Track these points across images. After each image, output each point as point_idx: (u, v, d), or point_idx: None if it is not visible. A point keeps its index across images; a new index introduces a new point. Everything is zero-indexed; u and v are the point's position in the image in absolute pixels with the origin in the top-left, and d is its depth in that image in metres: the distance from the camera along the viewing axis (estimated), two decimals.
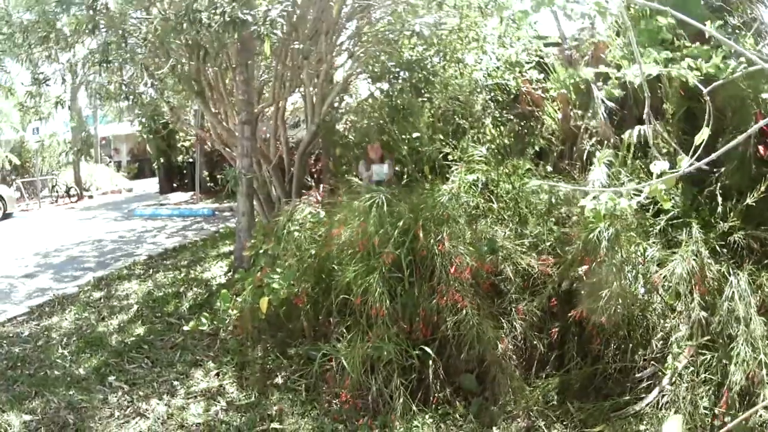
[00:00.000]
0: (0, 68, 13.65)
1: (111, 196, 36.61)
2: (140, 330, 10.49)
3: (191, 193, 30.23)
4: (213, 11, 9.58)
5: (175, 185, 33.55)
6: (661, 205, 6.33)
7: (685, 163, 3.86)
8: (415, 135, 12.32)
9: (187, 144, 29.89)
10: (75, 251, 18.28)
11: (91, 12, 10.83)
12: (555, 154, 10.94)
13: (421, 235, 8.00)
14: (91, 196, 35.52)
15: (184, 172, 32.73)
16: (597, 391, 7.44)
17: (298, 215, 9.31)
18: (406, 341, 7.79)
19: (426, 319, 7.90)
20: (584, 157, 9.72)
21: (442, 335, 7.82)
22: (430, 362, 7.67)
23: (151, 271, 14.69)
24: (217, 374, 8.79)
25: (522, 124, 12.38)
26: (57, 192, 34.34)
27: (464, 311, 7.53)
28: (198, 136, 24.07)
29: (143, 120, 18.85)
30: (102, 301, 12.32)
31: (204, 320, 8.90)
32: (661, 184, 4.67)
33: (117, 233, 21.49)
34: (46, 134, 36.67)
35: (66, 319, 11.26)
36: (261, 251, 9.43)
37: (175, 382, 8.60)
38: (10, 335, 10.58)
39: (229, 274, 13.24)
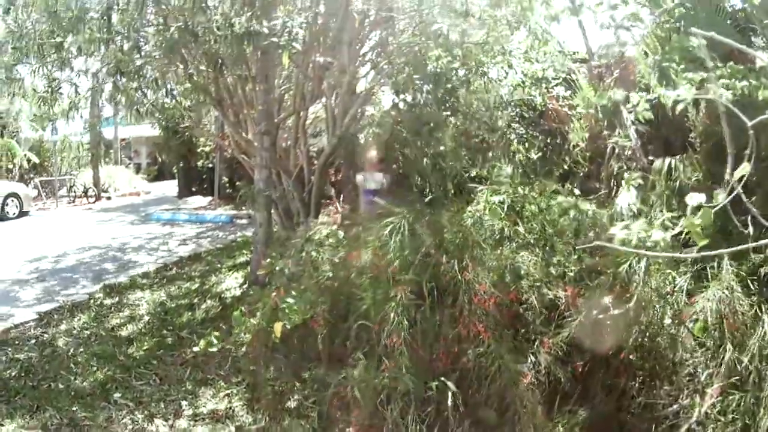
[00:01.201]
0: (12, 76, 13.45)
1: (129, 198, 36.59)
2: (150, 343, 10.21)
3: (210, 198, 30.12)
4: (226, 24, 9.38)
5: (194, 189, 33.22)
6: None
7: (722, 198, 3.63)
8: (439, 149, 12.02)
9: (207, 149, 29.77)
10: (88, 255, 18.11)
11: (104, 23, 10.67)
12: (582, 174, 10.67)
13: (444, 260, 7.69)
14: (109, 198, 35.51)
15: (204, 176, 32.36)
16: (621, 428, 7.13)
17: (317, 235, 8.99)
18: (425, 372, 7.44)
19: (446, 348, 7.56)
20: (612, 179, 9.48)
21: (463, 366, 7.48)
22: (450, 395, 7.33)
23: (164, 280, 14.47)
24: (227, 395, 8.46)
25: (548, 141, 12.10)
26: (75, 192, 34.44)
27: (487, 343, 7.22)
28: (217, 142, 23.97)
29: (162, 124, 18.74)
30: (112, 310, 12.09)
31: (215, 341, 8.61)
32: (697, 219, 4.39)
33: (132, 237, 21.32)
34: (63, 134, 36.70)
35: (75, 327, 11.05)
36: (277, 269, 9.12)
37: (183, 402, 8.28)
38: (17, 342, 10.37)
39: (245, 286, 12.96)
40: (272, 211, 13.16)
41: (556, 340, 7.25)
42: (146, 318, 11.53)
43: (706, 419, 6.35)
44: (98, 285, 13.95)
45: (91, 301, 12.68)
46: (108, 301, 12.62)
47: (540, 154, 11.82)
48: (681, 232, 6.76)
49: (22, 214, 27.37)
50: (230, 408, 8.13)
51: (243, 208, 24.47)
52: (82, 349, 9.97)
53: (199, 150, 30.15)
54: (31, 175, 35.41)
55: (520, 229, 8.49)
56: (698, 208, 4.26)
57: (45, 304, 12.58)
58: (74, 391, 8.51)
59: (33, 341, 10.43)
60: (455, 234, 8.05)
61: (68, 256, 17.79)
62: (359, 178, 12.40)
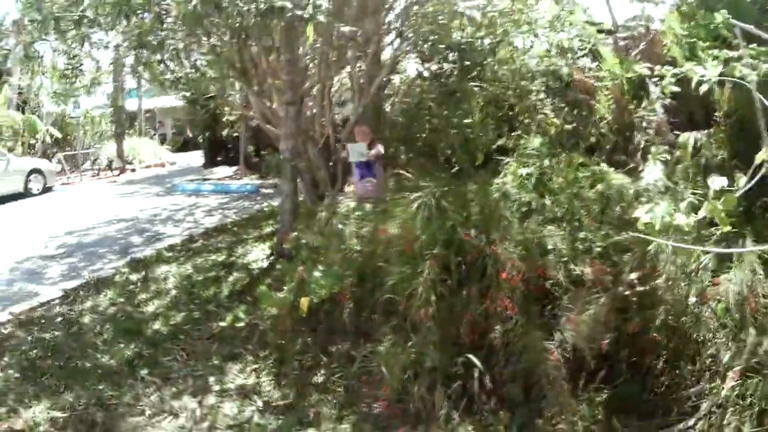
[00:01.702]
0: (32, 53, 13.38)
1: (154, 169, 36.62)
2: (177, 318, 10.13)
3: (235, 167, 30.02)
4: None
5: (219, 159, 33.23)
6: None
7: (744, 182, 3.53)
8: (465, 120, 11.84)
9: (232, 118, 29.66)
10: (112, 228, 18.10)
11: None
12: (608, 147, 10.49)
13: (471, 234, 7.55)
14: (133, 170, 35.48)
15: (229, 146, 32.40)
16: (644, 407, 7.00)
17: (343, 208, 8.86)
18: (452, 347, 7.34)
19: (473, 324, 7.45)
20: (639, 152, 9.33)
21: (489, 342, 7.36)
22: (476, 371, 7.22)
23: (190, 252, 14.38)
24: (254, 370, 8.36)
25: (574, 113, 11.89)
26: (99, 165, 34.47)
27: (514, 319, 7.11)
28: (242, 112, 23.89)
29: (187, 95, 18.65)
30: (138, 284, 12.01)
31: (242, 315, 8.52)
32: (720, 204, 4.29)
33: (157, 210, 21.29)
34: (86, 108, 36.72)
35: (100, 303, 10.99)
36: (303, 243, 8.99)
37: (210, 378, 8.21)
38: (42, 321, 10.32)
39: (271, 258, 12.81)
40: (298, 181, 13.02)
41: (583, 317, 7.13)
42: (173, 292, 11.44)
43: (726, 402, 6.25)
44: (124, 259, 13.92)
45: (117, 276, 12.60)
46: (134, 276, 12.53)
47: (566, 125, 11.62)
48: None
49: (46, 189, 27.22)
50: (258, 383, 8.05)
51: (268, 177, 24.36)
52: (108, 326, 9.89)
53: (224, 120, 30.02)
54: (54, 150, 35.35)
55: (547, 202, 8.35)
56: (722, 191, 4.14)
57: (71, 280, 12.54)
58: (101, 369, 8.45)
59: (59, 319, 10.35)
60: (483, 207, 7.92)
61: (93, 231, 17.76)
62: (350, 148, 12.04)
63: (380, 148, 11.79)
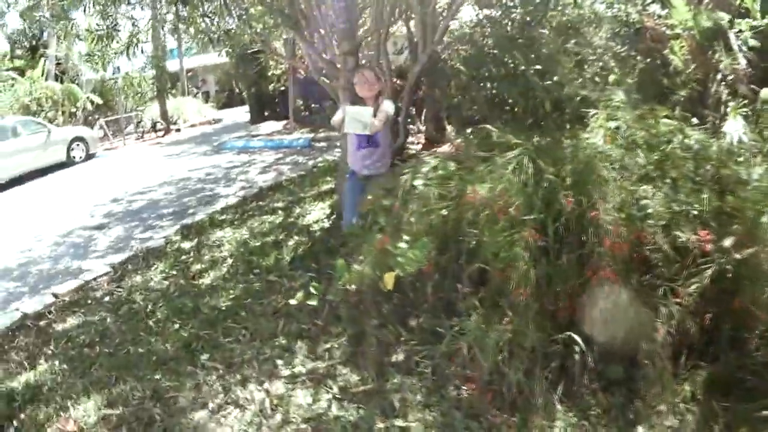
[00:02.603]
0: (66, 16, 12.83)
1: (199, 128, 36.63)
2: (236, 291, 9.23)
3: (284, 122, 29.48)
4: None
5: (266, 114, 32.85)
6: None
7: None
8: (535, 67, 10.78)
9: (278, 72, 29.14)
10: (159, 193, 17.55)
11: None
12: (683, 99, 9.55)
13: (568, 197, 6.53)
14: (178, 130, 35.61)
15: (276, 100, 32.04)
16: (744, 387, 6.10)
17: (424, 168, 7.64)
18: (550, 323, 6.38)
19: (572, 297, 6.52)
20: (720, 105, 8.46)
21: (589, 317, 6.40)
22: (577, 349, 6.25)
23: (245, 215, 13.55)
24: (327, 350, 7.40)
25: (647, 62, 10.92)
26: (142, 128, 34.46)
27: (617, 291, 6.13)
28: (291, 65, 23.27)
29: (231, 51, 18.32)
30: (191, 254, 11.18)
31: (314, 291, 7.54)
32: None
33: (205, 170, 20.71)
34: (125, 72, 36.90)
35: (151, 278, 10.21)
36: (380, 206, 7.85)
37: (278, 361, 7.25)
38: (89, 302, 9.57)
39: (333, 218, 11.99)
40: None
41: (689, 289, 6.16)
42: (229, 261, 10.59)
43: None
44: (174, 226, 13.24)
45: (168, 245, 11.87)
46: (186, 245, 11.77)
47: (639, 75, 10.66)
48: None
49: (89, 156, 27.49)
50: (332, 366, 7.08)
51: (321, 130, 23.68)
52: (161, 304, 9.06)
53: (270, 74, 29.53)
54: (96, 116, 35.55)
55: (640, 159, 7.27)
56: None
57: (118, 253, 11.88)
58: (156, 356, 7.59)
59: (106, 299, 9.62)
60: (578, 166, 6.89)
61: (139, 196, 17.32)
62: (347, 114, 8.14)
63: (388, 107, 8.52)
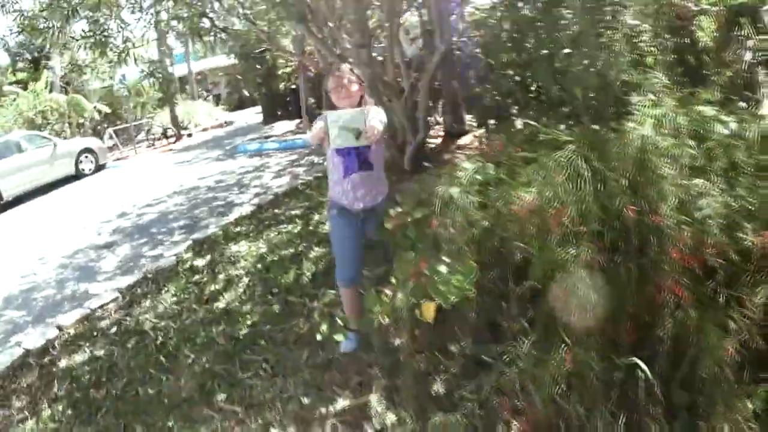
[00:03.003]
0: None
1: (211, 131, 36.54)
2: (254, 316, 8.43)
3: (296, 121, 29.11)
4: None
5: (278, 114, 32.50)
6: None
7: None
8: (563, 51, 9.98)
9: (288, 70, 28.69)
10: (170, 204, 16.92)
11: None
12: (713, 81, 8.85)
13: (625, 201, 5.64)
14: (190, 135, 35.50)
15: (287, 99, 31.76)
16: None
17: (460, 173, 6.65)
18: (610, 347, 5.52)
19: (635, 318, 5.63)
20: (755, 87, 7.77)
21: (653, 338, 5.57)
22: (641, 375, 5.39)
23: (260, 225, 12.73)
24: (359, 383, 6.57)
25: (675, 41, 10.23)
26: (153, 135, 34.45)
27: (687, 309, 5.28)
28: (300, 62, 22.73)
29: (237, 51, 17.88)
30: (204, 273, 10.41)
31: (340, 322, 6.71)
32: None
33: (219, 176, 20.12)
34: (130, 79, 36.73)
35: (161, 303, 9.47)
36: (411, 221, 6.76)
37: (304, 399, 6.42)
38: (95, 333, 8.90)
39: None
40: None
41: (756, 299, 5.32)
42: (245, 280, 9.77)
43: None
44: (186, 242, 12.48)
45: (179, 264, 11.10)
46: (198, 262, 11.00)
47: (670, 56, 9.94)
48: None
49: (99, 168, 27.19)
50: (365, 403, 6.23)
51: None
52: (172, 335, 8.32)
53: (279, 73, 29.10)
54: (104, 126, 35.40)
55: (691, 150, 6.41)
56: None
57: (126, 275, 11.20)
58: (167, 398, 6.86)
59: (113, 329, 8.93)
60: (629, 164, 6.02)
61: (149, 209, 16.73)
62: (332, 122, 5.93)
63: (381, 113, 6.18)
